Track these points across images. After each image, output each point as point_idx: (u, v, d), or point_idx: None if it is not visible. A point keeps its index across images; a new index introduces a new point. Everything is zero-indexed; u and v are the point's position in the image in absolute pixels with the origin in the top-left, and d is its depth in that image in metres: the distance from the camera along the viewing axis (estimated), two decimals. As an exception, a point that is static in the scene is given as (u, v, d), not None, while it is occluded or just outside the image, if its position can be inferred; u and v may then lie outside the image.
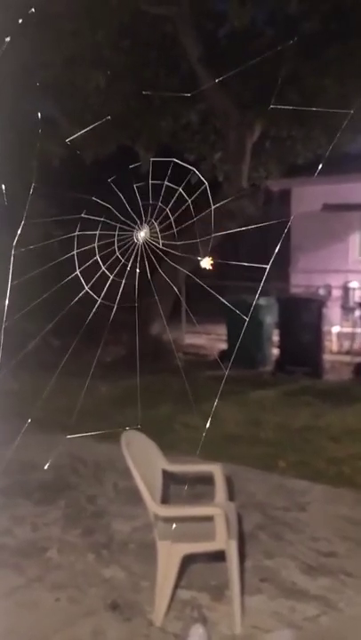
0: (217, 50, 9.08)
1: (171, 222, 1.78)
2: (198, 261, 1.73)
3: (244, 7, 8.11)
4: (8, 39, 1.08)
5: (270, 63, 6.58)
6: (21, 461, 4.45)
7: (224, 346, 9.60)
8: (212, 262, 1.72)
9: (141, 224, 1.75)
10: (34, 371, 5.31)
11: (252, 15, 8.58)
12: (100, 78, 8.35)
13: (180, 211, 1.77)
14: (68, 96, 8.71)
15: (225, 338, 9.48)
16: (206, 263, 1.73)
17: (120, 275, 1.78)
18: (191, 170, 1.90)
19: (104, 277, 1.74)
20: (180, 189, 1.80)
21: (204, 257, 1.72)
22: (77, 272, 1.61)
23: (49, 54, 7.43)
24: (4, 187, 1.07)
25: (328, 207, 12.03)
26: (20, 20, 1.11)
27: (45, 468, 2.18)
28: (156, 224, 1.78)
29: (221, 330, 9.61)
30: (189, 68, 8.94)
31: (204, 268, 1.71)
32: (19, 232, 1.35)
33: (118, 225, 1.69)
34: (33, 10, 1.12)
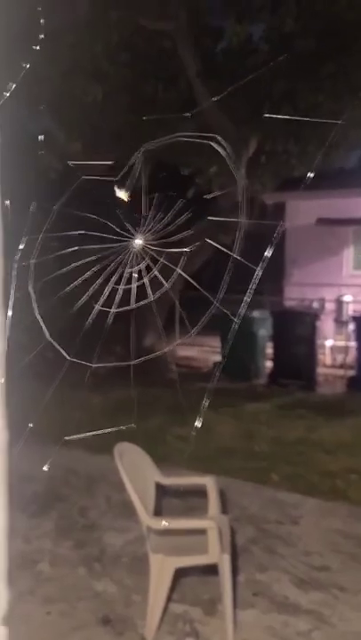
0: (214, 65, 9.20)
1: (165, 230, 1.79)
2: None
3: (240, 25, 8.25)
4: (27, 65, 1.10)
5: (266, 79, 6.69)
6: (13, 472, 4.42)
7: (217, 358, 9.62)
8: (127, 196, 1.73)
9: (136, 233, 1.77)
10: (28, 382, 5.29)
11: (249, 32, 8.74)
12: (98, 91, 8.43)
13: (175, 215, 1.78)
14: (65, 109, 8.77)
15: (218, 350, 9.48)
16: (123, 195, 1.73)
17: (117, 284, 1.79)
18: (188, 181, 1.91)
19: (102, 288, 1.75)
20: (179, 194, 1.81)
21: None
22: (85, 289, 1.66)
23: (47, 67, 7.49)
24: (8, 202, 1.08)
25: (323, 221, 12.14)
26: (37, 47, 1.13)
27: (45, 468, 2.16)
28: (151, 230, 1.80)
29: (214, 342, 9.62)
30: (187, 82, 9.04)
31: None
32: (21, 246, 1.37)
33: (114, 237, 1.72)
34: (43, 36, 1.15)
